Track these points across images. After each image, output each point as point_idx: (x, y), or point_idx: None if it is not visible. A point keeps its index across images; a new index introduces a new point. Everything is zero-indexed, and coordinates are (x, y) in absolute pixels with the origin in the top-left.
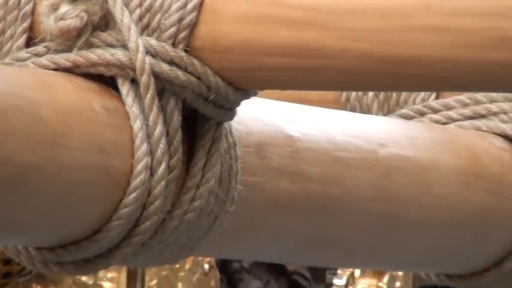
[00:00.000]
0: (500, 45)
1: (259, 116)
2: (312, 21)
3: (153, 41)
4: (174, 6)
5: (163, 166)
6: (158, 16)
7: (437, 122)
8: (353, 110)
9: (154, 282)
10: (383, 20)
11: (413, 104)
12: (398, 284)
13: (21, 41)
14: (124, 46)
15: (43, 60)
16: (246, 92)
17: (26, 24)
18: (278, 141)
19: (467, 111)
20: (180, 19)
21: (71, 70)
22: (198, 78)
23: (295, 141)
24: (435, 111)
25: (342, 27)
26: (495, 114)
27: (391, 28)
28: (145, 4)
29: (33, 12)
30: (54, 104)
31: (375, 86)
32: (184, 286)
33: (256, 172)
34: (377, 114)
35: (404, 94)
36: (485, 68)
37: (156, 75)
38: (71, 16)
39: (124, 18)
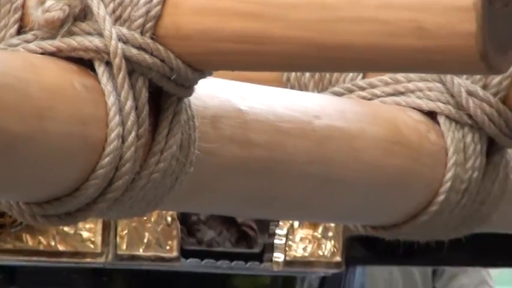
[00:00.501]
0: (417, 34)
1: (214, 93)
2: (262, 13)
3: (124, 30)
4: (142, 1)
5: (132, 135)
6: (129, 9)
7: (363, 98)
8: (293, 87)
9: (125, 232)
10: (322, 12)
11: (344, 82)
12: (330, 233)
13: (13, 29)
14: (100, 34)
15: (32, 46)
16: (202, 72)
17: (17, 16)
18: (230, 114)
19: (389, 89)
20: (147, 11)
21: (55, 54)
22: (162, 61)
23: (244, 114)
24: (362, 89)
25: (287, 18)
26: (412, 91)
27: (328, 19)
28: None
29: (23, 5)
30: (41, 82)
31: (312, 68)
32: (151, 235)
33: (211, 140)
34: (313, 91)
35: (336, 74)
36: (405, 53)
37: (127, 59)
38: (55, 9)
39: (100, 10)
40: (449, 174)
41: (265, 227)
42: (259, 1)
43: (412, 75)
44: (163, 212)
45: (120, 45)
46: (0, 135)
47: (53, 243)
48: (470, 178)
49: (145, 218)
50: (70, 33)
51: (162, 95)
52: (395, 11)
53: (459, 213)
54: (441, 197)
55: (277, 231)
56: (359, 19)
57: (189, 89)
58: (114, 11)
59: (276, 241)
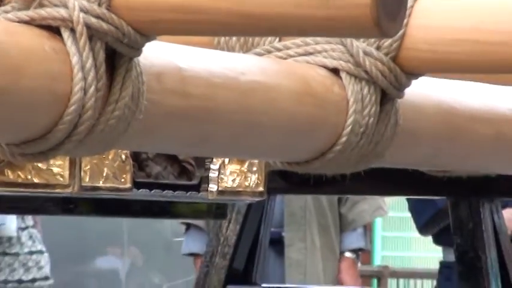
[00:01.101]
0: (321, 5)
1: (158, 54)
2: None
3: (84, 2)
4: None
5: (93, 88)
6: None
7: (280, 57)
8: (222, 49)
9: (88, 167)
10: None
11: (264, 45)
12: (254, 168)
13: None
14: (65, 6)
15: (10, 15)
16: (148, 37)
17: None
18: (171, 71)
19: (300, 50)
20: None
21: (29, 23)
22: (116, 27)
23: (183, 71)
24: (278, 50)
25: None
26: (319, 52)
27: None
28: None
29: None
30: (17, 44)
31: (235, 33)
32: (108, 170)
33: (156, 92)
34: (239, 52)
35: (257, 38)
36: (311, 21)
37: (87, 26)
38: None
39: None
40: (350, 120)
41: (202, 162)
42: None
43: (319, 39)
44: (119, 150)
45: (81, 15)
46: None
47: (29, 177)
48: (367, 123)
49: (104, 156)
50: (41, 5)
51: (116, 55)
52: None
53: (358, 152)
54: (343, 139)
55: (212, 166)
56: None
57: (138, 51)
58: None
59: (210, 174)
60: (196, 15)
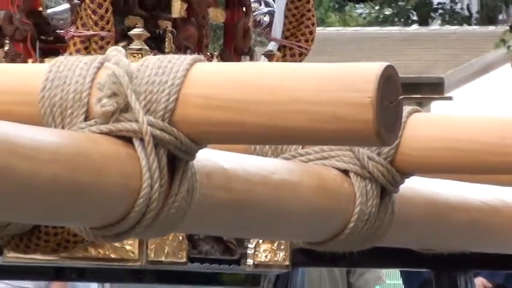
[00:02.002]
0: (334, 121)
1: (208, 157)
2: (238, 108)
3: (151, 118)
4: (163, 99)
5: (157, 184)
6: (154, 105)
7: (302, 161)
8: (258, 154)
9: (153, 246)
10: (274, 107)
11: (290, 151)
12: (282, 246)
13: (81, 118)
14: (136, 121)
15: (93, 128)
16: (201, 145)
17: (84, 109)
18: (218, 171)
19: (318, 156)
20: (166, 106)
21: (109, 134)
22: (176, 138)
23: (227, 170)
24: (301, 155)
25: (254, 111)
26: (333, 157)
27: (277, 111)
28: (147, 98)
29: (88, 102)
30: (99, 150)
31: (269, 142)
32: (169, 248)
33: (206, 188)
34: (270, 156)
35: (285, 146)
36: (326, 133)
37: (153, 136)
38: (108, 105)
39: (136, 106)
40: (356, 210)
41: (241, 242)
42: (238, 100)
43: (332, 147)
44: (177, 233)
45: (149, 128)
46: (74, 185)
47: (107, 253)
48: (370, 212)
49: (165, 237)
50: (117, 120)
51: (175, 159)
52: (320, 106)
53: (363, 234)
54: (351, 224)
55: (249, 245)
56: (297, 111)
57: (192, 156)
58: (145, 106)
59: (248, 252)
60: (238, 128)
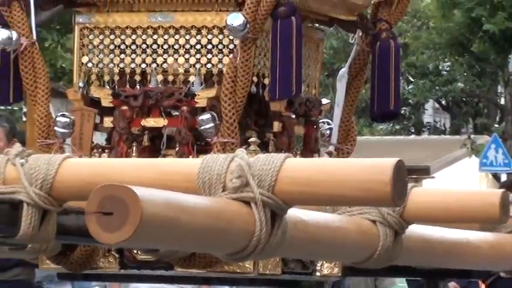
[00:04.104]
0: (363, 192)
1: (293, 213)
2: (316, 186)
3: (261, 190)
4: (268, 179)
5: (264, 229)
6: (263, 183)
7: (348, 215)
8: (325, 211)
9: (261, 264)
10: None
11: (341, 209)
12: (337, 264)
13: (220, 189)
14: (253, 192)
15: (227, 196)
16: (290, 206)
17: (221, 184)
18: (300, 220)
19: (357, 212)
20: (269, 184)
21: (236, 199)
22: (275, 202)
23: (305, 220)
24: (348, 212)
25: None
26: (366, 212)
27: None
28: (259, 179)
29: (224, 180)
30: (228, 208)
31: (328, 204)
32: (271, 265)
33: (293, 230)
34: (331, 212)
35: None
36: (359, 200)
37: (263, 202)
38: (237, 183)
39: (252, 183)
40: (380, 244)
41: (313, 262)
42: (313, 179)
43: (366, 207)
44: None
45: (260, 196)
46: (216, 229)
47: (235, 268)
48: (388, 245)
49: (269, 259)
50: (241, 191)
51: (275, 213)
52: (359, 183)
53: (384, 259)
54: (377, 253)
55: (317, 264)
56: (347, 186)
57: (285, 211)
58: (258, 183)
59: (316, 267)
60: (313, 196)
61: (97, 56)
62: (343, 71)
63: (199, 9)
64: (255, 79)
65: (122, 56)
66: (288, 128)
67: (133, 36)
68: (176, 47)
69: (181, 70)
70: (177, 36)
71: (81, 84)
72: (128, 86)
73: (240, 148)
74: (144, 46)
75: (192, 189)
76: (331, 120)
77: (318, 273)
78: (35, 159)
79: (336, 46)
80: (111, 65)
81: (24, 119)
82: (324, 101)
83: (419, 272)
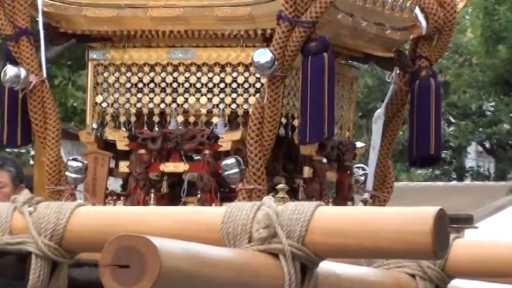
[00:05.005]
0: (403, 243)
1: (325, 266)
2: (348, 238)
3: (290, 242)
4: (298, 230)
5: (294, 284)
6: (292, 233)
7: (385, 268)
8: (360, 264)
9: None
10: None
11: (377, 262)
12: None
13: (245, 241)
14: (281, 243)
15: (254, 247)
16: (322, 258)
17: (247, 236)
18: (331, 273)
19: (395, 264)
20: (299, 234)
21: (263, 251)
22: (306, 254)
23: (338, 273)
24: (385, 265)
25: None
26: (404, 266)
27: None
28: (288, 229)
29: (251, 231)
30: (258, 261)
31: (363, 257)
32: None
33: (324, 284)
34: (366, 266)
35: (374, 259)
36: (398, 252)
37: (292, 253)
38: (263, 233)
39: (281, 233)
40: None
41: None
42: (345, 230)
43: (404, 260)
44: None
45: (289, 248)
46: (251, 285)
47: None
48: None
49: None
50: (269, 243)
51: (306, 266)
52: (397, 234)
53: None
54: None
55: None
56: (383, 237)
57: (316, 265)
58: (286, 234)
59: None
60: (346, 248)
61: (112, 95)
62: (379, 111)
63: (223, 44)
64: (283, 120)
65: (139, 95)
66: (319, 174)
67: (152, 74)
68: (198, 85)
69: (203, 111)
70: (199, 74)
71: (94, 126)
72: (145, 128)
73: (267, 195)
74: (163, 84)
75: (215, 240)
76: (366, 165)
77: None
78: (44, 207)
79: (371, 85)
80: (127, 105)
81: (31, 162)
82: (359, 144)
83: None
